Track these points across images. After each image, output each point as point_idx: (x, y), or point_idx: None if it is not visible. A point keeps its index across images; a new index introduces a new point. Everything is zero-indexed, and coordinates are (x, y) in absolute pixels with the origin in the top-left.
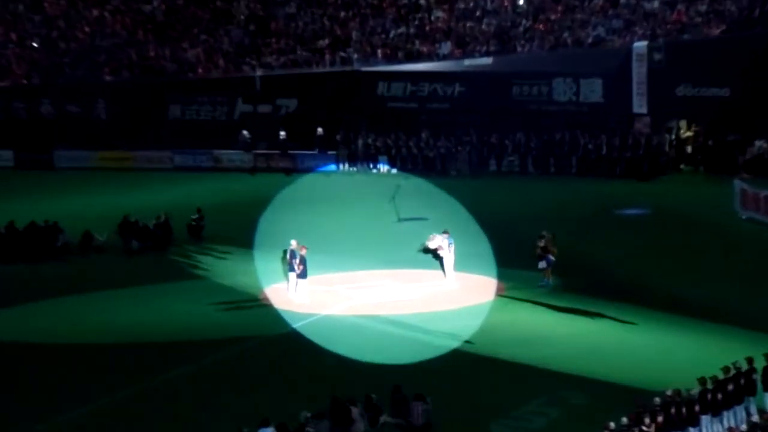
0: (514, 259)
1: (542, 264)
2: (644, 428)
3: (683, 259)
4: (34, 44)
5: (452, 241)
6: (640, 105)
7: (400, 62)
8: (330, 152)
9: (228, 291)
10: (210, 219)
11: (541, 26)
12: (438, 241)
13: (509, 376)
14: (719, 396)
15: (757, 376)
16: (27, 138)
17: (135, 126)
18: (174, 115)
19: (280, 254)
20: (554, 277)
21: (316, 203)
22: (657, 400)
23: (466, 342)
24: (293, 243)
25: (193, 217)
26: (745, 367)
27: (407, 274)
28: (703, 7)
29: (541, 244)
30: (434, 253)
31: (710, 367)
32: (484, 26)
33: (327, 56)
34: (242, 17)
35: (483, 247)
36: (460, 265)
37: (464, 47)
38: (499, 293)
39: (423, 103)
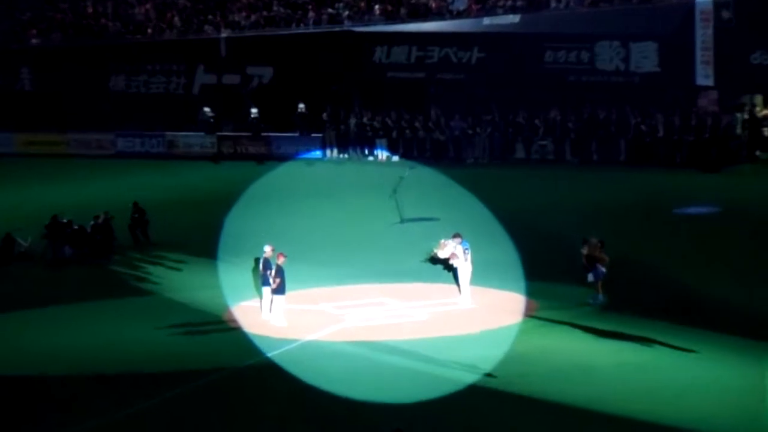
0: (548, 270)
1: (591, 277)
2: None
3: (761, 270)
4: None
5: (468, 248)
6: (705, 76)
7: (402, 21)
8: (314, 134)
9: (185, 310)
10: (162, 220)
11: None
12: (450, 248)
13: (541, 419)
14: None
15: None
16: None
17: (68, 102)
18: (117, 88)
19: (251, 264)
20: (604, 293)
21: (296, 199)
22: None
23: (487, 375)
24: (267, 249)
25: (134, 215)
26: None
27: (411, 289)
28: None
29: (585, 251)
30: (446, 264)
31: None
32: None
33: (310, 13)
34: None
35: (508, 254)
36: (479, 277)
37: (484, 2)
38: (529, 313)
39: (432, 73)
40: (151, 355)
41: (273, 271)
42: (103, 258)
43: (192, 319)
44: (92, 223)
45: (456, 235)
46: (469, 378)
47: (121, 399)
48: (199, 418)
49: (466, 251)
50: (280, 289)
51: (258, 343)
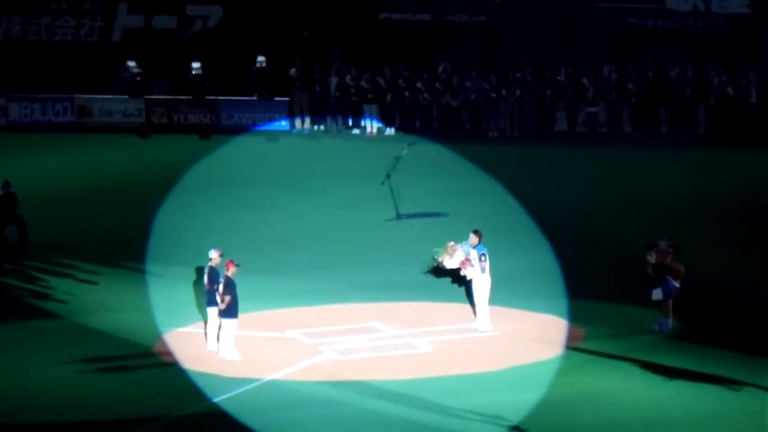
0: (598, 285)
1: (658, 294)
2: None
3: None
4: None
5: (486, 254)
6: None
7: None
8: (279, 98)
9: (102, 339)
10: (70, 216)
11: None
12: (461, 255)
13: None
14: None
15: None
16: None
17: None
18: (9, 35)
19: (192, 276)
20: (675, 317)
21: (254, 187)
22: None
23: (514, 429)
24: (214, 255)
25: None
26: None
27: (410, 310)
28: None
29: (652, 259)
30: (456, 275)
31: None
32: None
33: None
34: None
35: (544, 263)
36: (502, 294)
37: None
38: (572, 344)
39: (440, 15)
40: (57, 400)
41: (221, 286)
42: None
43: (112, 352)
44: None
45: (475, 233)
46: None
47: None
48: None
49: (483, 258)
50: (230, 311)
51: (201, 383)
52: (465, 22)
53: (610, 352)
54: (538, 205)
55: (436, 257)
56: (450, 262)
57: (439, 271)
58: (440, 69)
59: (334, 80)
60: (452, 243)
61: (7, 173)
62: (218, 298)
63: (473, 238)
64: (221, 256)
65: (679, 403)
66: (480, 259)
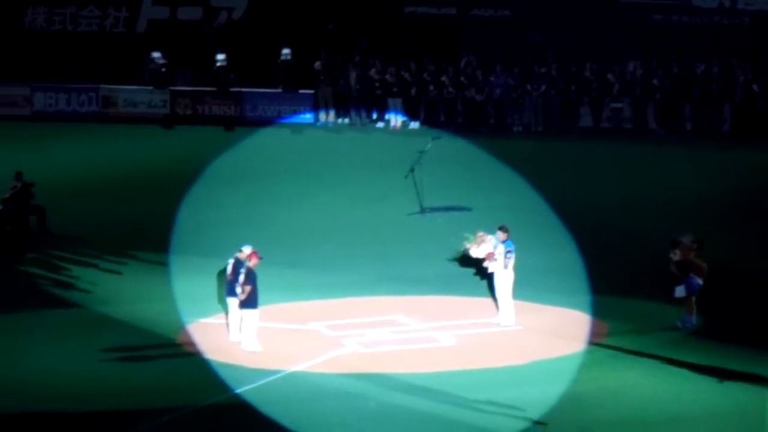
0: (621, 281)
1: (681, 291)
2: None
3: None
4: None
5: (512, 248)
6: None
7: None
8: (303, 91)
9: (125, 329)
10: (94, 206)
11: None
12: (489, 246)
13: None
14: None
15: None
16: None
17: None
18: (34, 24)
19: (215, 267)
20: (698, 314)
21: (277, 180)
22: None
23: (536, 423)
24: (246, 250)
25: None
26: None
27: (434, 303)
28: None
29: (676, 256)
30: (479, 267)
31: None
32: None
33: None
34: None
35: (568, 259)
36: (526, 289)
37: None
38: (595, 340)
39: (465, 9)
40: (79, 389)
41: (242, 277)
42: (13, 255)
43: (135, 342)
44: (0, 207)
45: (501, 230)
46: (511, 427)
47: None
48: None
49: (509, 255)
50: (250, 302)
51: (224, 374)
52: (490, 17)
53: (633, 348)
54: (561, 201)
55: (465, 243)
56: (476, 251)
57: (464, 259)
58: (465, 63)
59: (357, 74)
60: (482, 233)
61: (32, 163)
62: (238, 289)
63: (501, 235)
64: (251, 248)
65: (702, 399)
66: (506, 256)
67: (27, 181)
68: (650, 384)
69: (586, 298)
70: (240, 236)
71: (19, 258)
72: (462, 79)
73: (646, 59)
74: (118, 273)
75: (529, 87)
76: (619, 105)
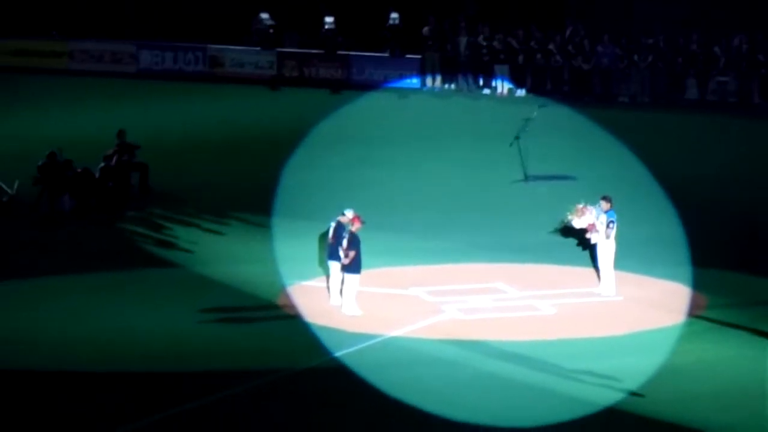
0: (724, 255)
1: None
2: None
3: None
4: None
5: (615, 218)
6: None
7: None
8: (411, 56)
9: (225, 290)
10: (198, 166)
11: None
12: (591, 217)
13: None
14: None
15: None
16: None
17: None
18: None
19: (317, 230)
20: None
21: (382, 144)
22: None
23: (631, 395)
24: (349, 214)
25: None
26: None
27: (535, 272)
28: None
29: None
30: (581, 238)
31: None
32: None
33: None
34: None
35: (671, 231)
36: (628, 260)
37: None
38: (695, 312)
39: None
40: (177, 351)
41: (345, 241)
42: (114, 213)
43: (234, 303)
44: (102, 165)
45: (605, 199)
46: (607, 397)
47: (141, 405)
48: None
49: (611, 225)
50: (353, 266)
51: (323, 337)
52: None
53: (731, 321)
54: (665, 172)
55: (567, 214)
56: (578, 222)
57: (566, 230)
58: (572, 32)
59: (465, 40)
60: (582, 205)
61: (137, 120)
62: (341, 253)
63: (604, 204)
64: (353, 212)
65: None
66: (608, 226)
67: (131, 141)
68: (748, 357)
69: (686, 270)
70: (342, 199)
71: (121, 216)
72: (569, 47)
73: (751, 33)
74: (220, 234)
75: (636, 58)
76: (725, 78)
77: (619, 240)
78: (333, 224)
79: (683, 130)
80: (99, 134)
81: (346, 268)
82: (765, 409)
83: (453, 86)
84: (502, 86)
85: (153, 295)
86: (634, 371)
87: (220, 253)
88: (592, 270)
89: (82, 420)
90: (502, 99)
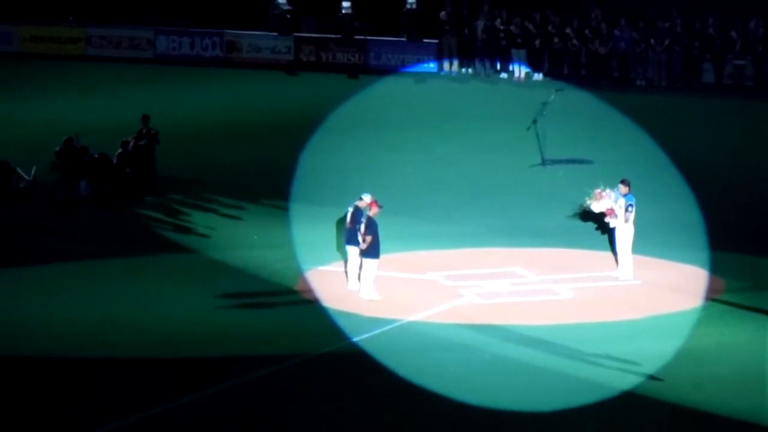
0: (742, 238)
1: None
2: None
3: None
4: None
5: (633, 202)
6: None
7: None
8: (428, 40)
9: (243, 275)
10: (215, 150)
11: None
12: (609, 201)
13: None
14: None
15: None
16: None
17: None
18: None
19: (335, 215)
20: None
21: (400, 128)
22: None
23: (650, 378)
24: (366, 198)
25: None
26: None
27: (553, 256)
28: None
29: None
30: (600, 222)
31: None
32: None
33: None
34: None
35: (688, 215)
36: (645, 244)
37: None
38: (713, 296)
39: None
40: (194, 336)
41: (363, 226)
42: (132, 198)
43: (252, 288)
44: (119, 151)
45: (623, 183)
46: (626, 381)
47: (161, 390)
48: (260, 419)
49: (630, 208)
50: (371, 251)
51: (341, 322)
52: None
53: (749, 304)
54: (683, 156)
55: (586, 198)
56: (596, 206)
57: (584, 215)
58: (590, 16)
59: (482, 24)
60: (599, 189)
61: (154, 105)
62: (360, 238)
63: (622, 188)
64: (371, 197)
65: None
66: (627, 210)
67: (152, 128)
68: (765, 341)
69: (704, 253)
70: (360, 184)
71: (138, 201)
72: (586, 31)
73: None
74: (238, 218)
75: (653, 41)
76: (742, 62)
77: (638, 223)
78: (351, 209)
79: (700, 113)
80: (116, 120)
81: (364, 253)
82: None
83: (470, 70)
84: (519, 70)
85: (170, 281)
86: (653, 355)
87: (238, 238)
88: (610, 254)
89: (100, 405)
90: (519, 83)
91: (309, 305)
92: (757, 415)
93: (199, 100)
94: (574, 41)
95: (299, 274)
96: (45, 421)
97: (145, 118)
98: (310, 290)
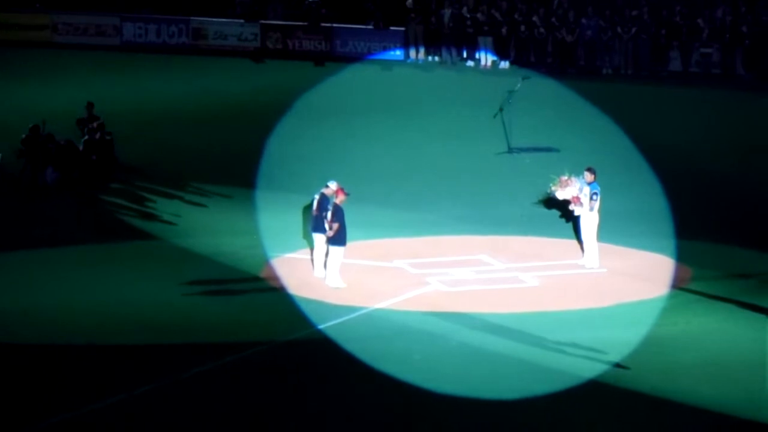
0: (708, 226)
1: None
2: None
3: None
4: None
5: (598, 190)
6: None
7: None
8: (394, 28)
9: (209, 263)
10: (182, 138)
11: None
12: (574, 189)
13: (690, 429)
14: None
15: None
16: None
17: None
18: None
19: (301, 202)
20: None
21: (366, 116)
22: None
23: (615, 366)
24: (333, 186)
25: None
26: None
27: (518, 244)
28: None
29: None
30: (564, 209)
31: None
32: None
33: None
34: None
35: (654, 202)
36: (612, 232)
37: None
38: (679, 284)
39: None
40: (160, 323)
41: (330, 213)
42: (98, 185)
43: (217, 275)
44: (85, 137)
45: (589, 171)
46: (591, 369)
47: (125, 377)
48: (224, 406)
49: (595, 196)
50: (338, 239)
51: (307, 309)
52: None
53: (716, 293)
54: (649, 144)
55: (550, 185)
56: (561, 193)
57: (549, 202)
58: (556, 4)
59: (449, 12)
60: (566, 177)
61: (120, 92)
62: (326, 225)
63: (588, 176)
64: (336, 184)
65: None
66: (591, 198)
67: (96, 115)
68: (732, 329)
69: (671, 242)
70: (326, 172)
71: (104, 188)
72: (553, 19)
73: (734, 5)
74: (203, 206)
75: (619, 30)
76: (709, 50)
77: (603, 211)
78: (317, 196)
79: (667, 101)
80: (82, 107)
81: (330, 241)
82: (748, 379)
83: (437, 58)
84: (486, 58)
85: (136, 268)
86: (619, 343)
87: (203, 225)
88: (575, 242)
89: (64, 390)
90: (485, 71)
91: (275, 292)
92: (723, 404)
93: (166, 88)
94: (541, 29)
95: (265, 262)
96: (7, 406)
97: (90, 106)
98: (276, 277)
